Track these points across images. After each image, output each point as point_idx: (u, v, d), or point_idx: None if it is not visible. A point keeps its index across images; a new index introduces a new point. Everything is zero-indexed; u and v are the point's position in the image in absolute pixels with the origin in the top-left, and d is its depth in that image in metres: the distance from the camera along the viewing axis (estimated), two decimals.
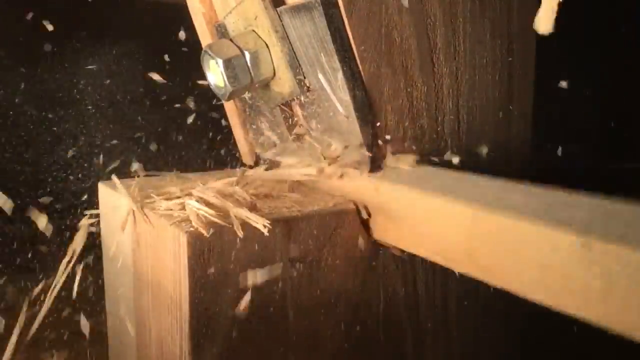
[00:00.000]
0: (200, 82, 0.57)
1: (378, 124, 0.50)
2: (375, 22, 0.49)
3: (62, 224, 0.99)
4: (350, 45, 0.49)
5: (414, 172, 0.50)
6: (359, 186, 0.51)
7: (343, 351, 0.51)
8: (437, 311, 0.55)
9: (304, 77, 0.53)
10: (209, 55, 0.53)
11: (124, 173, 0.64)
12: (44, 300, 0.61)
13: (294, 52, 0.52)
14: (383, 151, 0.51)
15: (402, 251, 0.50)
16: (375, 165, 0.51)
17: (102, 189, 0.61)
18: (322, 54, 0.49)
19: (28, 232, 0.99)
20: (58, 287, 0.56)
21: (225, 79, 0.53)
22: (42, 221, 0.63)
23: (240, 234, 0.44)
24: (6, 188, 0.67)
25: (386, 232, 0.49)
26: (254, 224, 0.44)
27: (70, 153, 1.05)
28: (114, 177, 0.55)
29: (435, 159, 0.53)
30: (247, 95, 0.61)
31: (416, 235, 0.45)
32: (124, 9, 1.12)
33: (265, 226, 0.43)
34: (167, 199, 0.50)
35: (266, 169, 0.58)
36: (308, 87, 0.53)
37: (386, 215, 0.49)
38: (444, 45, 0.52)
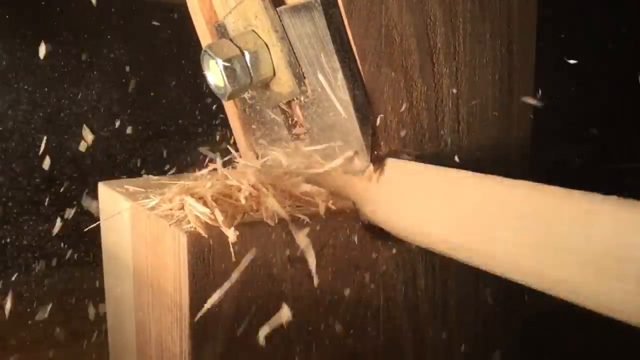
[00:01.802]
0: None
1: (378, 124, 0.50)
2: (375, 22, 0.49)
3: None
4: (350, 45, 0.49)
5: (413, 172, 0.50)
6: (359, 186, 0.51)
7: (343, 351, 0.51)
8: (437, 311, 0.55)
9: (304, 77, 0.53)
10: (209, 55, 0.54)
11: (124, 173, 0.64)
12: None
13: (294, 52, 0.52)
14: (383, 151, 0.51)
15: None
16: (375, 165, 0.51)
17: (102, 189, 0.61)
18: (322, 54, 0.49)
19: None
20: None
21: (225, 79, 0.53)
22: None
23: (232, 239, 0.44)
24: None
25: (385, 231, 0.49)
26: (224, 231, 0.44)
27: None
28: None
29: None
30: (247, 95, 0.61)
31: (413, 233, 0.45)
32: (124, 8, 1.12)
33: (233, 235, 0.44)
34: (166, 199, 0.50)
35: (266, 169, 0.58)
36: (308, 87, 0.53)
37: (385, 215, 0.49)
38: (444, 45, 0.52)
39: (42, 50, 0.99)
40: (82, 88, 1.11)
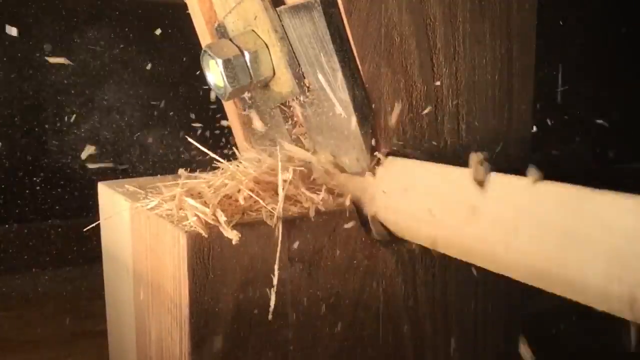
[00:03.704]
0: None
1: (377, 124, 0.50)
2: (375, 22, 0.49)
3: None
4: (350, 45, 0.49)
5: (412, 172, 0.50)
6: (359, 186, 0.51)
7: (343, 351, 0.51)
8: (436, 311, 0.55)
9: (304, 77, 0.53)
10: (209, 55, 0.54)
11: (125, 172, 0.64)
12: None
13: (294, 52, 0.52)
14: (382, 151, 0.51)
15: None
16: (375, 165, 0.51)
17: (102, 189, 0.61)
18: (321, 54, 0.49)
19: None
20: None
21: (225, 79, 0.53)
22: None
23: (234, 241, 0.44)
24: None
25: (384, 230, 0.49)
26: (225, 234, 0.44)
27: None
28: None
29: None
30: (247, 95, 0.61)
31: (407, 229, 0.46)
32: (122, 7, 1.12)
33: (235, 237, 0.44)
34: (167, 199, 0.50)
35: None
36: (308, 87, 0.53)
37: (384, 214, 0.49)
38: (443, 45, 0.52)
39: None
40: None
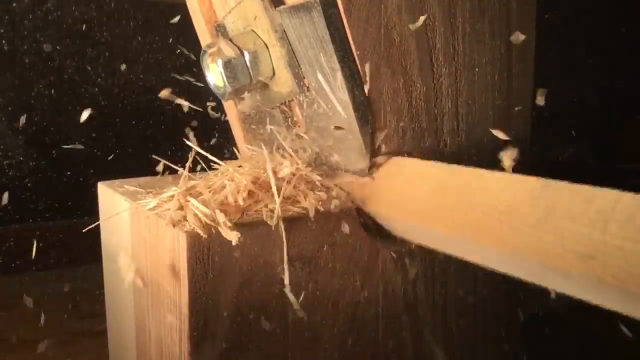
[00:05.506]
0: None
1: (377, 124, 0.50)
2: (375, 22, 0.49)
3: None
4: (349, 45, 0.49)
5: (411, 172, 0.50)
6: (359, 185, 0.51)
7: (343, 351, 0.51)
8: (437, 311, 0.55)
9: (303, 77, 0.53)
10: (209, 55, 0.54)
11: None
12: None
13: (294, 52, 0.52)
14: (382, 151, 0.51)
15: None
16: (374, 164, 0.51)
17: (102, 189, 0.61)
18: (321, 54, 0.49)
19: None
20: None
21: (225, 79, 0.53)
22: None
23: (234, 242, 0.44)
24: None
25: (385, 231, 0.49)
26: (225, 235, 0.44)
27: None
28: None
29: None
30: (246, 95, 0.61)
31: (413, 232, 0.46)
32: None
33: (235, 238, 0.44)
34: (166, 199, 0.50)
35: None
36: (307, 87, 0.53)
37: (385, 214, 0.49)
38: (443, 45, 0.52)
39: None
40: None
